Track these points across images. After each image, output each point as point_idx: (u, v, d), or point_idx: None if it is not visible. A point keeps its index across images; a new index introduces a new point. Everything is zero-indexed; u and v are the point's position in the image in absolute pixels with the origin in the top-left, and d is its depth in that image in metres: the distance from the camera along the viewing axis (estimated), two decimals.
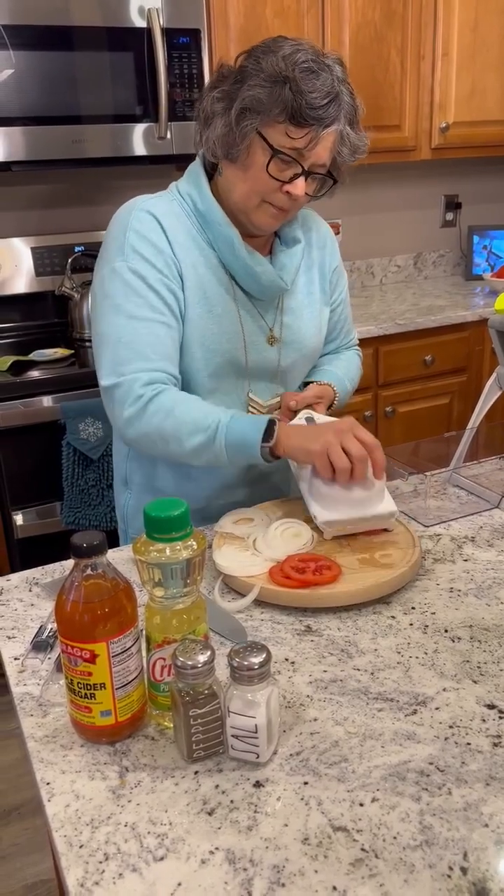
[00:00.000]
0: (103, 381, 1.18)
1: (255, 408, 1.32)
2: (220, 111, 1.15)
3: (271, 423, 1.13)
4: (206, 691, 0.73)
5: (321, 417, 1.26)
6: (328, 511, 1.10)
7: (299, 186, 1.16)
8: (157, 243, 1.19)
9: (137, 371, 1.15)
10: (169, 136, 2.23)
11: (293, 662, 0.90)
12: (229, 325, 1.25)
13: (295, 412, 1.28)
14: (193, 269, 1.22)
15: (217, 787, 0.73)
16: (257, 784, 0.73)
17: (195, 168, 1.26)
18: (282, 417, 1.26)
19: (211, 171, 1.26)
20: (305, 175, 1.16)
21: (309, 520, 1.14)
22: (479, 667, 0.88)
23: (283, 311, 1.32)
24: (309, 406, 1.29)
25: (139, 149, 2.24)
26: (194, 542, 0.77)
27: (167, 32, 2.15)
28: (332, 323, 1.43)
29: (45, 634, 0.96)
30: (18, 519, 2.14)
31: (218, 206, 1.22)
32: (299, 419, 1.24)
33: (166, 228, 1.20)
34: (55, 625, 0.92)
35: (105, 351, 1.18)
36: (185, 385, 1.25)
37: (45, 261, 2.50)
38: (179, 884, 0.63)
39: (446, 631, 0.95)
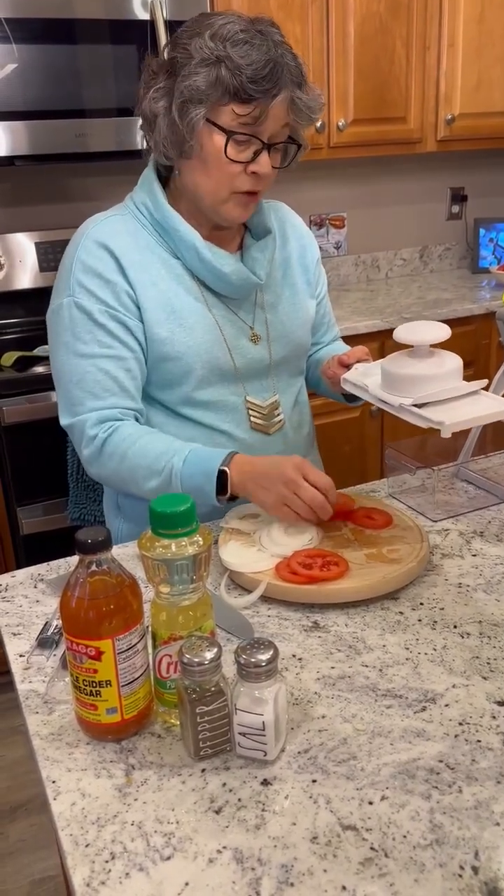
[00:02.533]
0: (61, 420, 1.20)
1: (255, 411, 1.29)
2: (161, 111, 1.12)
3: (223, 475, 1.10)
4: (213, 688, 0.72)
5: (373, 364, 1.20)
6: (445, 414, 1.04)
7: (263, 163, 1.12)
8: (104, 273, 1.16)
9: (88, 412, 1.16)
10: None
11: (300, 659, 0.89)
12: (206, 333, 1.22)
13: (347, 366, 1.23)
14: (154, 287, 1.18)
15: (224, 785, 0.72)
16: (265, 782, 0.72)
17: (147, 175, 1.23)
18: (333, 372, 1.23)
19: (166, 174, 1.23)
20: (267, 149, 1.12)
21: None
22: (488, 663, 0.87)
23: (264, 307, 1.30)
24: (359, 360, 1.24)
25: (143, 143, 2.22)
26: (200, 538, 0.76)
27: (170, 25, 2.14)
28: (319, 317, 1.41)
29: (51, 631, 0.95)
30: (24, 515, 2.14)
31: (174, 213, 1.19)
32: (354, 369, 1.21)
33: (118, 254, 1.17)
34: (60, 621, 0.91)
35: (59, 390, 1.20)
36: (181, 405, 1.23)
37: (50, 256, 2.49)
38: (187, 883, 0.63)
39: (455, 627, 0.94)
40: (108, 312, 1.16)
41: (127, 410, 1.18)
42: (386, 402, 1.10)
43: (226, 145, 1.10)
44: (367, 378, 1.17)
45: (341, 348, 1.44)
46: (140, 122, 1.18)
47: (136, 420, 1.20)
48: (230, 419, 1.26)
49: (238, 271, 1.22)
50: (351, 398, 1.35)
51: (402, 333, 1.11)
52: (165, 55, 1.13)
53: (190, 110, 1.09)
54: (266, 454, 1.26)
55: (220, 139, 1.10)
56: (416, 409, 1.06)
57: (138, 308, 1.18)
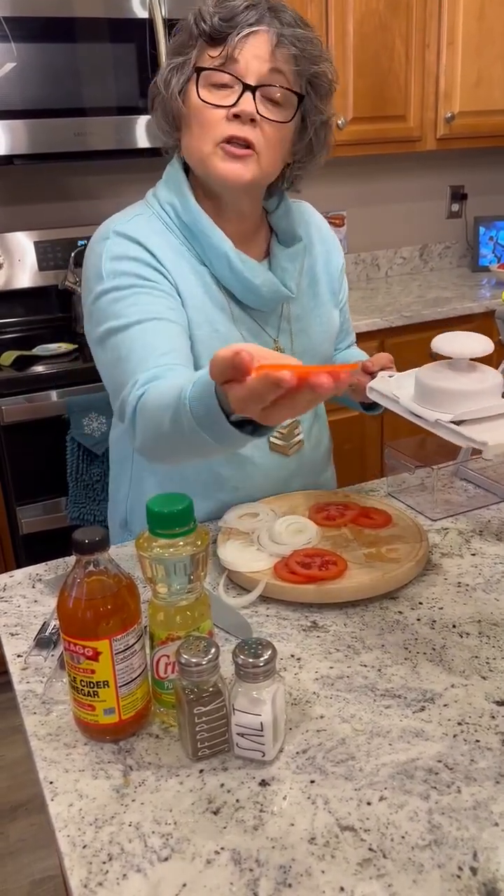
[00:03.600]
0: (114, 411, 1.07)
1: (275, 430, 1.16)
2: (160, 88, 1.09)
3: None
4: (211, 689, 0.72)
5: (407, 373, 1.13)
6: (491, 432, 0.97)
7: (244, 103, 1.02)
8: (139, 257, 1.07)
9: (136, 380, 1.00)
10: None
11: (299, 659, 0.89)
12: None
13: (372, 374, 1.15)
14: (190, 288, 1.11)
15: (222, 785, 0.72)
16: (263, 783, 0.72)
17: (173, 171, 1.14)
18: (358, 380, 1.14)
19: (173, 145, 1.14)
20: (252, 91, 1.02)
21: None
22: (487, 662, 0.87)
23: (290, 319, 1.22)
24: (383, 368, 1.17)
25: (142, 141, 2.22)
26: (198, 538, 0.75)
27: (169, 23, 2.13)
28: (339, 324, 1.33)
29: (49, 631, 0.95)
30: (23, 515, 2.14)
31: (205, 215, 1.11)
32: (381, 377, 1.14)
33: (152, 249, 1.09)
34: (58, 622, 0.91)
35: (110, 383, 1.07)
36: None
37: (49, 255, 2.48)
38: (184, 884, 0.62)
39: (454, 626, 0.94)
40: (149, 284, 1.06)
41: (173, 367, 1.01)
42: (420, 417, 1.05)
43: (197, 84, 1.03)
44: (397, 388, 1.10)
45: (357, 354, 1.38)
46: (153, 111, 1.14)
47: None
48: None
49: (269, 282, 1.15)
50: (369, 407, 1.29)
51: (443, 345, 1.04)
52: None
53: (174, 73, 1.06)
54: (279, 475, 1.23)
55: (200, 85, 1.04)
56: (454, 427, 0.99)
57: (181, 298, 1.10)
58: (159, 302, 1.06)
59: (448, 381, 1.02)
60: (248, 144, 1.05)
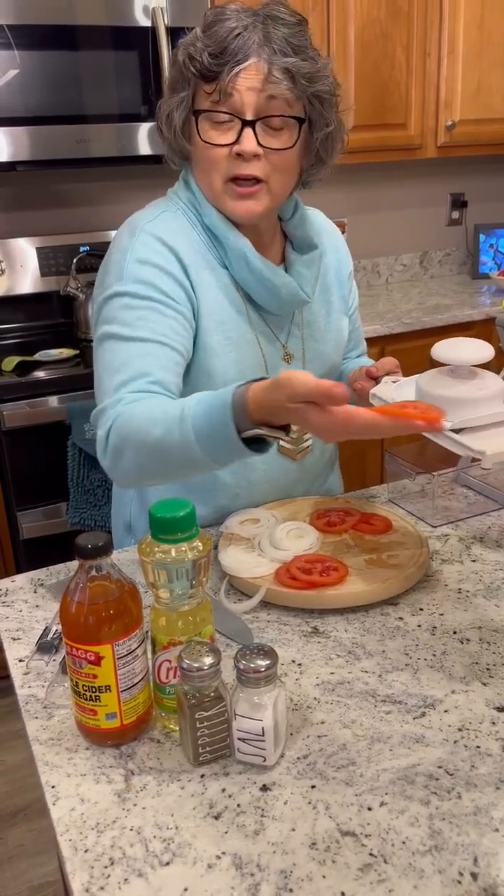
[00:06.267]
0: (97, 409, 1.04)
1: (286, 442, 1.21)
2: (164, 118, 1.10)
3: (239, 389, 0.88)
4: (213, 694, 0.72)
5: (408, 380, 1.13)
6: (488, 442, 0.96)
7: (244, 141, 1.02)
8: (163, 265, 1.07)
9: (121, 393, 1.00)
10: None
11: (300, 664, 0.89)
12: (248, 351, 1.14)
13: (376, 379, 1.16)
14: (209, 293, 1.11)
15: (223, 790, 0.72)
16: (264, 788, 0.72)
17: (190, 179, 1.15)
18: (361, 385, 1.16)
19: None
20: (251, 126, 1.02)
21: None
22: (488, 669, 0.87)
23: (302, 325, 1.22)
24: (388, 374, 1.17)
25: (144, 148, 2.23)
26: (200, 543, 0.76)
27: (172, 31, 2.15)
28: (348, 332, 1.33)
29: (50, 636, 0.95)
30: (24, 519, 2.14)
31: (223, 218, 1.12)
32: (385, 384, 1.14)
33: (179, 252, 1.09)
34: (60, 626, 0.91)
35: (101, 379, 1.05)
36: None
37: (51, 261, 2.49)
38: (186, 889, 0.63)
39: (455, 632, 0.94)
40: (165, 300, 1.06)
41: (162, 387, 1.02)
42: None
43: (197, 125, 1.04)
44: (398, 394, 1.10)
45: (367, 363, 1.35)
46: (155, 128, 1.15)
47: None
48: None
49: (288, 285, 1.15)
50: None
51: (443, 351, 1.04)
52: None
53: (174, 110, 1.06)
54: (283, 480, 1.23)
55: (200, 125, 1.05)
56: (453, 435, 0.99)
57: (195, 310, 1.10)
58: (168, 324, 1.06)
59: (448, 389, 1.02)
60: (256, 179, 1.06)
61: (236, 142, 1.03)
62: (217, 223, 1.11)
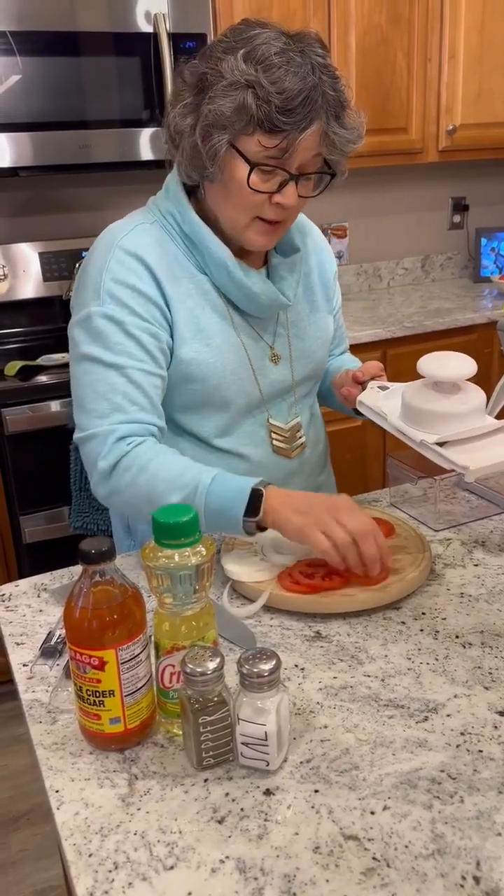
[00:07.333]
0: (77, 432, 1.11)
1: (277, 434, 1.25)
2: (186, 129, 1.06)
3: (256, 494, 1.00)
4: (216, 698, 0.72)
5: (394, 384, 1.16)
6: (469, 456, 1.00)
7: (289, 195, 1.06)
8: (137, 285, 1.10)
9: (113, 423, 1.08)
10: None
11: (303, 669, 0.90)
12: (232, 355, 1.17)
13: (362, 384, 1.19)
14: (184, 303, 1.13)
15: (227, 795, 0.72)
16: (267, 792, 0.72)
17: (173, 185, 1.16)
18: (348, 391, 1.19)
19: (191, 183, 1.15)
20: (295, 180, 1.06)
21: None
22: (490, 673, 0.87)
23: (287, 325, 1.25)
24: (373, 378, 1.21)
25: (146, 153, 2.24)
26: (203, 548, 0.76)
27: (173, 37, 2.16)
28: (332, 330, 1.37)
29: (54, 640, 0.96)
30: (27, 524, 2.14)
31: (204, 226, 1.13)
32: (371, 389, 1.17)
33: (152, 265, 1.11)
34: (64, 631, 0.92)
35: (81, 401, 1.11)
36: (200, 427, 1.18)
37: (53, 266, 2.50)
38: (189, 893, 0.63)
39: (457, 637, 0.94)
40: (141, 325, 1.10)
41: (152, 427, 1.11)
42: (406, 435, 1.07)
43: (248, 175, 1.04)
44: (385, 404, 1.13)
45: (350, 361, 1.42)
46: (165, 134, 1.13)
47: (157, 439, 1.13)
48: (250, 442, 1.23)
49: (268, 291, 1.17)
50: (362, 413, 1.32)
51: (428, 368, 1.07)
52: (197, 67, 1.05)
53: (213, 136, 1.03)
54: (279, 476, 1.25)
55: (243, 169, 1.04)
56: (438, 449, 1.03)
57: (170, 324, 1.13)
58: (145, 347, 1.10)
59: (432, 403, 1.06)
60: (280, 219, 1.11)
61: (278, 191, 1.07)
62: (199, 232, 1.14)
